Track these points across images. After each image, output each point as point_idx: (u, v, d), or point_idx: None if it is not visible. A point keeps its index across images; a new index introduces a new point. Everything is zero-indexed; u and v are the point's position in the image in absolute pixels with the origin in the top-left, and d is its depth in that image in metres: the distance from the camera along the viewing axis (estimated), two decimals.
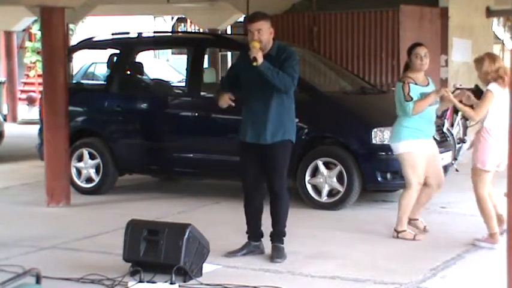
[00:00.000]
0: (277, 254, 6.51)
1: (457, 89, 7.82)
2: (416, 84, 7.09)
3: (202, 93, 9.56)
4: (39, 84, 20.18)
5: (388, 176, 8.56)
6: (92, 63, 21.26)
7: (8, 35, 21.14)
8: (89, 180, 9.75)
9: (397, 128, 7.20)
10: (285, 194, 6.57)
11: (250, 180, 6.60)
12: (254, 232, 6.70)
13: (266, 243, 6.67)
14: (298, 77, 6.52)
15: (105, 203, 9.22)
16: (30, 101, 21.68)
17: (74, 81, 15.26)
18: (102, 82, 13.85)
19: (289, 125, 6.55)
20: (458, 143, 11.22)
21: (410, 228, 7.34)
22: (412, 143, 7.10)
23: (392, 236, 7.27)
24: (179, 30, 29.32)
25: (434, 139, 7.60)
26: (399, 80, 7.27)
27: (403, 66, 7.50)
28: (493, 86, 6.81)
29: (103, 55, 12.04)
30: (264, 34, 6.38)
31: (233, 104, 6.54)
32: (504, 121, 6.55)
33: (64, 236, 7.44)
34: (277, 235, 6.59)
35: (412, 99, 7.01)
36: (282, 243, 6.59)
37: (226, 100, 6.56)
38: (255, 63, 6.26)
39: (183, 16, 23.52)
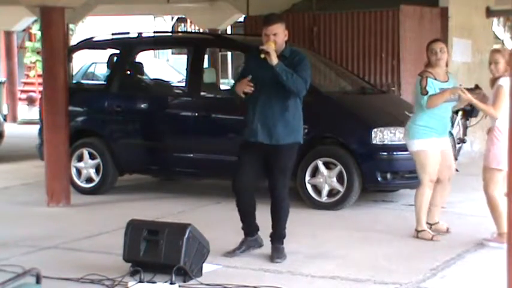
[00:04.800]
0: (277, 254, 6.51)
1: (469, 89, 7.77)
2: (435, 79, 7.12)
3: (202, 93, 9.56)
4: (39, 84, 20.19)
5: (388, 176, 8.56)
6: (92, 63, 21.26)
7: (8, 35, 21.14)
8: (89, 180, 9.75)
9: (411, 126, 7.23)
10: (286, 196, 6.57)
11: (245, 179, 6.55)
12: (250, 227, 6.72)
13: (266, 243, 6.67)
14: None
15: (105, 203, 9.22)
16: (30, 101, 21.68)
17: (74, 81, 15.25)
18: (102, 82, 13.85)
19: (299, 126, 6.59)
20: (458, 143, 11.22)
21: (433, 232, 7.31)
22: (426, 142, 7.12)
23: (412, 236, 7.27)
24: (179, 30, 29.32)
25: None
26: (418, 74, 7.28)
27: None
28: (504, 81, 6.77)
29: (103, 55, 12.04)
30: (279, 37, 6.40)
31: (252, 89, 6.38)
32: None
33: (64, 236, 7.44)
34: (277, 236, 6.60)
35: (427, 93, 7.03)
36: (282, 244, 6.60)
37: (244, 84, 6.40)
38: (262, 55, 6.28)
39: (183, 16, 23.53)
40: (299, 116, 6.57)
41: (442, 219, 7.57)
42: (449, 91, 7.10)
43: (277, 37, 6.38)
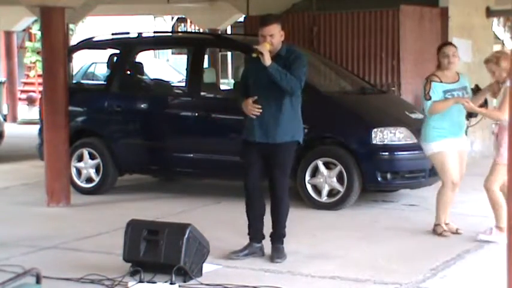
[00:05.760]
0: (277, 254, 6.51)
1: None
2: (441, 82, 7.17)
3: (202, 93, 9.56)
4: (39, 84, 20.19)
5: (388, 176, 8.56)
6: (92, 63, 21.26)
7: (8, 35, 21.14)
8: (89, 180, 9.75)
9: (425, 129, 7.31)
10: (286, 195, 6.58)
11: (253, 181, 6.58)
12: (256, 233, 6.67)
13: (266, 244, 6.67)
14: None
15: (105, 203, 9.21)
16: (30, 101, 21.68)
17: (74, 81, 15.26)
18: (102, 82, 13.85)
19: (298, 125, 6.61)
20: None
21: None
22: (441, 143, 7.18)
23: (430, 229, 7.38)
24: (179, 30, 29.32)
25: None
26: (426, 78, 7.34)
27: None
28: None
29: (103, 55, 12.04)
30: (275, 38, 6.44)
31: (260, 111, 6.43)
32: None
33: (64, 236, 7.44)
34: (277, 236, 6.60)
35: (430, 98, 7.11)
36: (282, 244, 6.60)
37: (250, 106, 6.45)
38: (254, 54, 6.33)
39: (183, 16, 23.54)
40: (297, 115, 6.58)
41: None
42: (452, 100, 7.15)
43: (273, 38, 6.42)
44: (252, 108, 6.45)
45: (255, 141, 6.52)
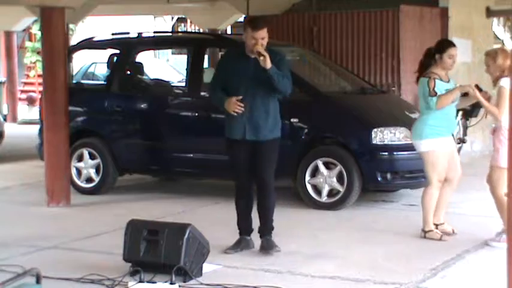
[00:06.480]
0: (269, 246, 6.63)
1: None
2: (441, 80, 7.18)
3: (202, 93, 9.55)
4: (39, 84, 20.17)
5: (388, 176, 8.56)
6: (92, 63, 21.23)
7: (8, 35, 21.13)
8: (89, 180, 9.75)
9: (419, 126, 7.27)
10: (273, 190, 6.73)
11: (244, 176, 6.74)
12: (247, 227, 6.84)
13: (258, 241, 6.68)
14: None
15: (105, 203, 9.21)
16: (30, 101, 21.66)
17: (74, 81, 15.25)
18: (102, 82, 13.84)
19: (279, 122, 6.81)
20: (458, 143, 11.23)
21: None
22: (434, 142, 7.16)
23: (420, 237, 7.26)
24: (179, 30, 29.30)
25: None
26: (424, 76, 7.29)
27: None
28: (505, 82, 6.79)
29: (103, 55, 12.04)
30: (265, 41, 6.58)
31: (243, 109, 6.56)
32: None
33: (64, 236, 7.44)
34: (268, 229, 6.72)
35: (436, 94, 7.09)
36: (271, 236, 6.70)
37: (234, 104, 6.58)
38: (262, 58, 6.43)
39: (183, 16, 23.52)
40: (278, 112, 6.78)
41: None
42: (458, 89, 7.15)
43: (264, 41, 6.56)
44: (236, 106, 6.56)
45: (244, 139, 6.63)
